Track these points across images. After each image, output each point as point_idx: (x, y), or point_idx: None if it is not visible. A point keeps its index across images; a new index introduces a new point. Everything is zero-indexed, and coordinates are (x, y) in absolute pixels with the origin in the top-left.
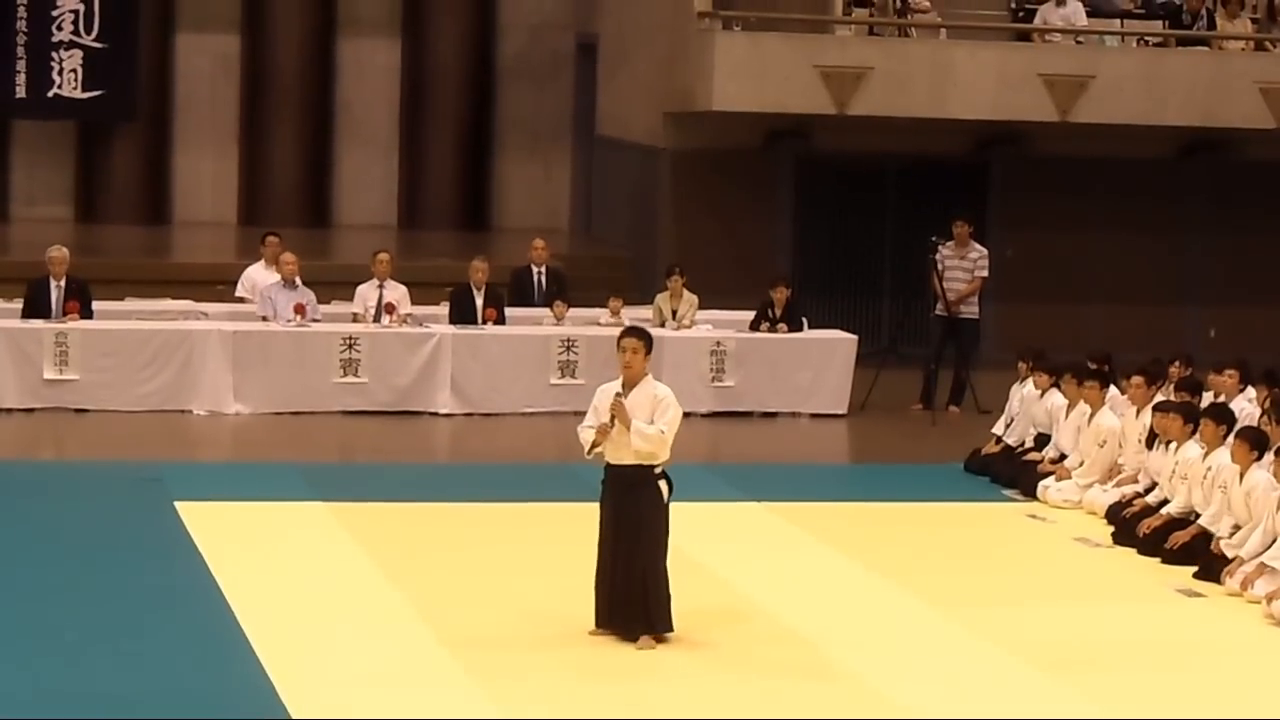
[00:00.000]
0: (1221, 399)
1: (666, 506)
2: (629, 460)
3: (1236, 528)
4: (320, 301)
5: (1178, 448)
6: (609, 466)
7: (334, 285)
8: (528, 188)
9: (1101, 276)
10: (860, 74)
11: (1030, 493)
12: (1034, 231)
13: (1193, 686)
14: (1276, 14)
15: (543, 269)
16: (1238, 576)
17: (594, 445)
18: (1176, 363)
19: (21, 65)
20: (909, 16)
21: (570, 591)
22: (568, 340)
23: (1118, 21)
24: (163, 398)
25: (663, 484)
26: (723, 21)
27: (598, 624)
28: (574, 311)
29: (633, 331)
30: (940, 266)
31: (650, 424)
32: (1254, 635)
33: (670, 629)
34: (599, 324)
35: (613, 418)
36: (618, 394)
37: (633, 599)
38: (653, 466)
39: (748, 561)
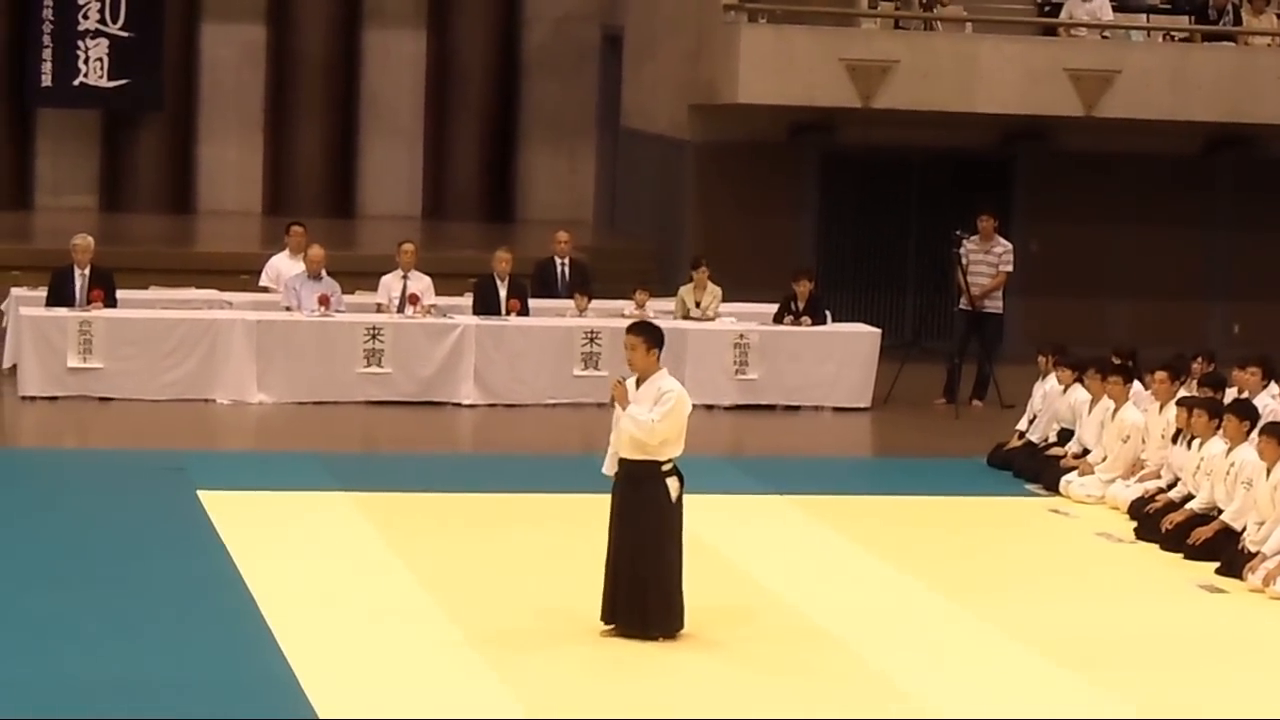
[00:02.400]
0: (1245, 395)
1: (676, 504)
2: (630, 454)
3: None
4: (344, 292)
5: (1201, 443)
6: (620, 460)
7: (358, 276)
8: (552, 179)
9: (1126, 272)
10: (885, 67)
11: (1053, 487)
12: (1059, 226)
13: (1214, 682)
14: None
15: (566, 261)
16: (1260, 573)
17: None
18: (1199, 358)
19: (48, 54)
20: (935, 10)
21: (592, 584)
22: (591, 332)
23: (1144, 16)
24: (186, 387)
25: (672, 481)
26: (748, 14)
27: (603, 618)
28: (598, 303)
29: (632, 327)
30: (964, 260)
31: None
32: (1275, 632)
33: (673, 630)
34: (623, 315)
35: (612, 400)
36: (621, 379)
37: (633, 599)
38: (659, 462)
39: (769, 554)
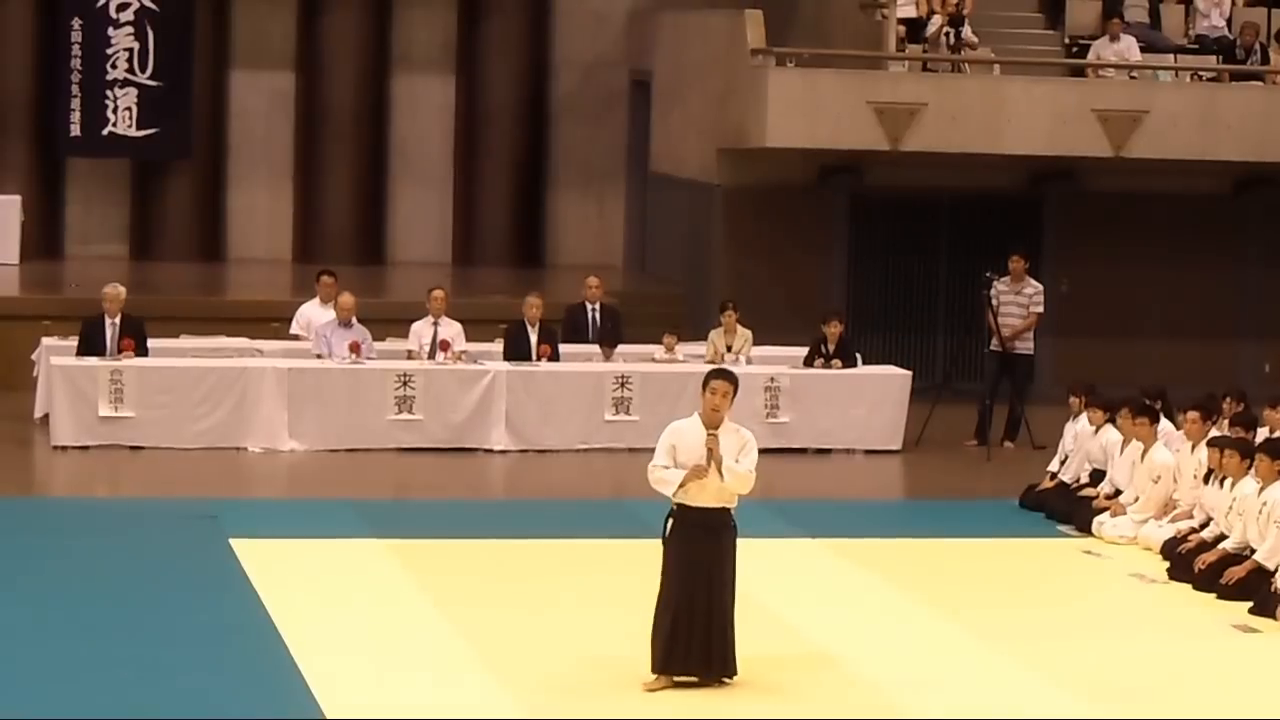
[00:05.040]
0: (1276, 434)
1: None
2: (711, 502)
3: None
4: (375, 338)
5: (1234, 483)
6: (684, 508)
7: (389, 322)
8: (582, 225)
9: (1156, 312)
10: (914, 110)
11: (1085, 528)
12: (1088, 267)
13: None
14: None
15: (597, 306)
16: None
17: (682, 484)
18: (1230, 398)
19: (76, 104)
20: (962, 52)
21: (627, 632)
22: (622, 377)
23: (1171, 57)
24: (218, 435)
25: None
26: (776, 58)
27: (656, 669)
28: (628, 348)
29: (723, 374)
30: (995, 302)
31: (736, 463)
32: None
33: (735, 673)
34: (653, 360)
35: (709, 456)
36: (712, 432)
37: (712, 644)
38: (729, 509)
39: (803, 598)
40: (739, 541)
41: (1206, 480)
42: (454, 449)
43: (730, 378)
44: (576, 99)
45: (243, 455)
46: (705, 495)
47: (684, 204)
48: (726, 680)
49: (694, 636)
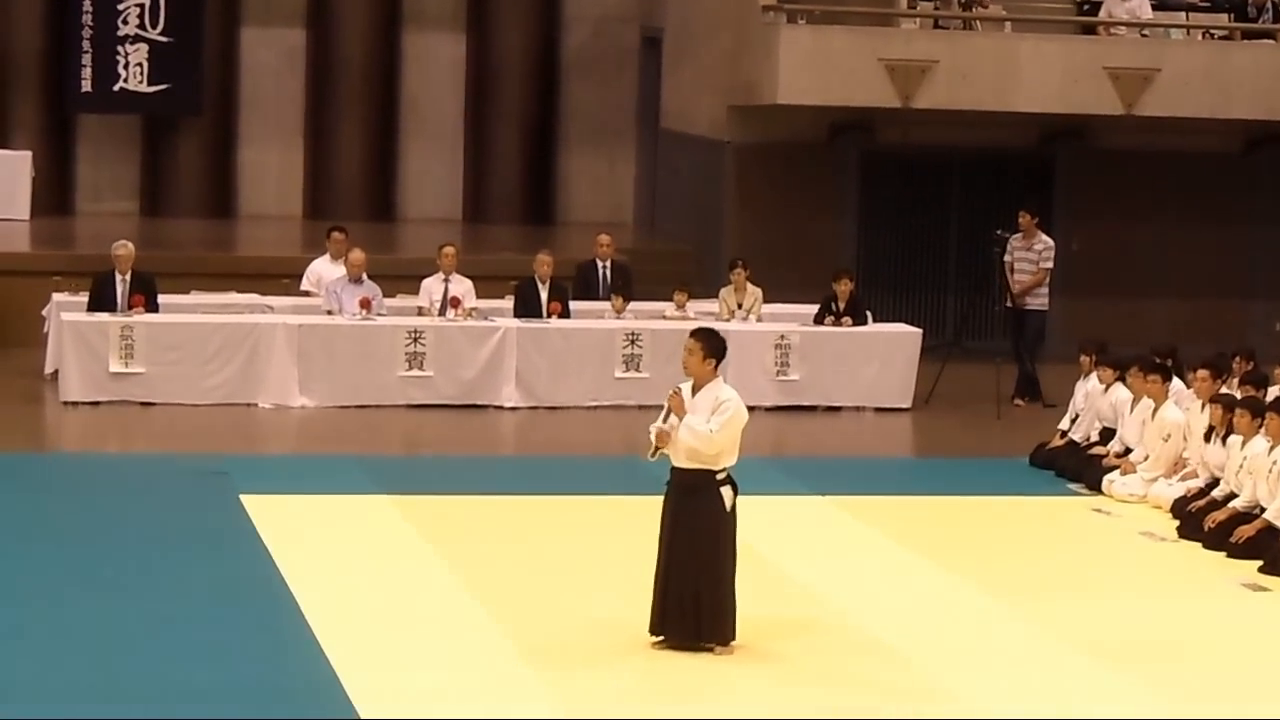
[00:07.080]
0: None
1: (731, 513)
2: (686, 463)
3: None
4: (385, 295)
5: (1244, 442)
6: (672, 469)
7: (399, 279)
8: (592, 181)
9: (1167, 270)
10: (925, 67)
11: (1095, 487)
12: (1099, 225)
13: (1258, 680)
14: None
15: (608, 263)
16: None
17: (655, 450)
18: (1240, 356)
19: (87, 59)
20: (974, 9)
21: (636, 590)
22: (632, 334)
23: (1183, 14)
24: (228, 391)
25: (726, 490)
26: (788, 15)
27: (651, 630)
28: (638, 305)
29: (695, 332)
30: (1009, 258)
31: (707, 423)
32: None
33: (727, 640)
34: (664, 317)
35: (668, 412)
36: (677, 388)
37: (684, 610)
38: (714, 471)
39: (812, 556)
40: (749, 496)
41: (1207, 438)
42: (464, 405)
43: (699, 335)
44: (587, 55)
45: (253, 411)
46: (678, 455)
47: (695, 161)
48: (722, 646)
49: (669, 598)
